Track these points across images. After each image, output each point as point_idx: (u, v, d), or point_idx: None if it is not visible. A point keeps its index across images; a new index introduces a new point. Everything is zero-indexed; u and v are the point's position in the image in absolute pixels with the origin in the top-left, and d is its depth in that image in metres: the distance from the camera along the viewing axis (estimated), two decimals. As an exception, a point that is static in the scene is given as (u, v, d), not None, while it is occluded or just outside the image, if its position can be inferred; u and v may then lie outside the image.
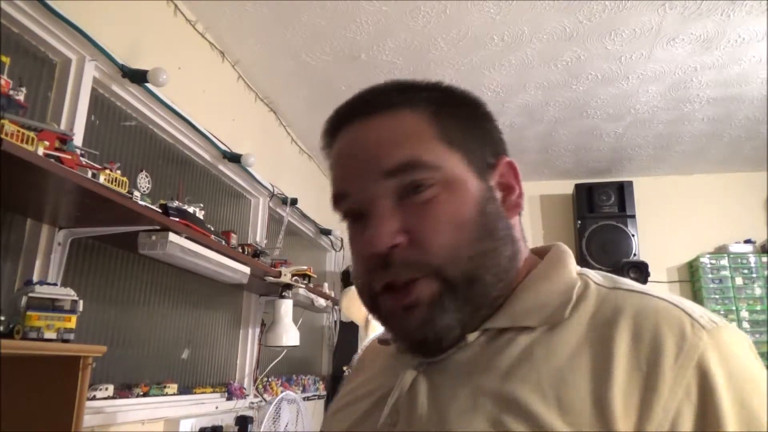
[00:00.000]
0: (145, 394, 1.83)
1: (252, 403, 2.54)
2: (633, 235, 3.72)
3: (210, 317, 2.40)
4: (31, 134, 1.12)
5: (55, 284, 1.22)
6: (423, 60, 2.54)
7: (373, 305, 0.55)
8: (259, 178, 2.69)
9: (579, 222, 3.84)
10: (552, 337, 0.50)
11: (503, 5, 2.16)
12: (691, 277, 3.83)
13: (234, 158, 2.41)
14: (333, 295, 3.08)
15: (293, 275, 2.47)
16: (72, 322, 1.18)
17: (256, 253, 2.32)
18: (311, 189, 3.48)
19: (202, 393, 2.19)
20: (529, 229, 4.11)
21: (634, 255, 3.68)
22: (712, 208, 3.91)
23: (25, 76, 1.48)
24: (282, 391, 2.58)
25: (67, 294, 1.20)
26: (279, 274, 2.37)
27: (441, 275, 0.51)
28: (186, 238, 1.66)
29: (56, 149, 1.21)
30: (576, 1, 2.13)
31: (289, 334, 2.44)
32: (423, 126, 0.53)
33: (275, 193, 2.87)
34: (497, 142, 0.59)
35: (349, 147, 0.56)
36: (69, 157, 1.23)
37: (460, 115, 0.56)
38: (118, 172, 1.40)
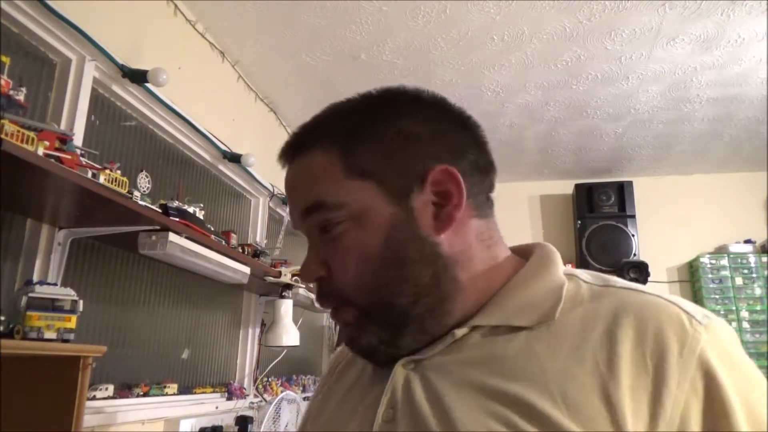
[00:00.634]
0: (145, 394, 1.83)
1: (252, 403, 2.54)
2: (633, 235, 3.72)
3: (210, 317, 2.40)
4: (31, 134, 1.12)
5: (55, 284, 1.22)
6: (423, 60, 2.54)
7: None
8: (259, 178, 2.69)
9: (579, 222, 3.84)
10: (550, 335, 0.50)
11: (503, 5, 2.16)
12: (691, 277, 3.83)
13: (234, 158, 2.41)
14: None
15: (293, 275, 2.47)
16: (72, 322, 1.18)
17: (256, 253, 2.32)
18: (311, 189, 3.47)
19: (202, 393, 2.19)
20: (529, 229, 4.11)
21: (634, 255, 3.68)
22: (712, 208, 3.90)
23: (25, 76, 1.48)
24: (282, 391, 2.58)
25: (67, 294, 1.20)
26: (279, 274, 2.37)
27: (355, 304, 0.55)
28: (186, 238, 1.66)
29: (56, 149, 1.21)
30: (576, 1, 2.13)
31: (289, 334, 2.44)
32: (330, 163, 0.55)
33: (275, 193, 2.87)
34: (427, 153, 0.56)
35: (285, 188, 0.61)
36: (69, 157, 1.23)
37: (374, 139, 0.56)
38: (118, 172, 1.40)
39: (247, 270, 2.07)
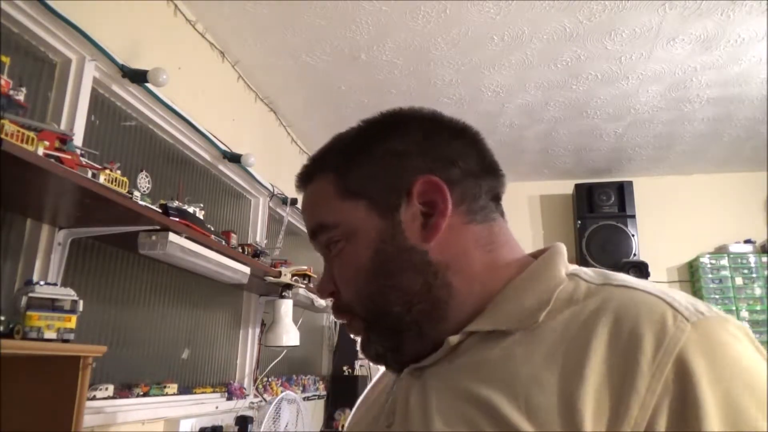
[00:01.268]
0: (145, 394, 1.83)
1: (252, 403, 2.54)
2: (633, 235, 3.72)
3: (210, 317, 2.40)
4: (31, 134, 1.12)
5: (55, 284, 1.22)
6: (423, 60, 2.54)
7: None
8: (259, 178, 2.69)
9: (579, 222, 3.84)
10: (532, 339, 0.51)
11: (503, 5, 2.16)
12: (691, 277, 3.83)
13: (234, 158, 2.41)
14: (333, 295, 3.08)
15: (293, 275, 2.47)
16: (72, 322, 1.18)
17: (256, 253, 2.32)
18: (311, 189, 3.47)
19: (202, 393, 2.19)
20: (529, 229, 4.11)
21: (634, 255, 3.68)
22: (712, 208, 3.90)
23: (25, 76, 1.48)
24: (282, 391, 2.59)
25: (67, 294, 1.20)
26: (279, 274, 2.37)
27: (359, 315, 0.60)
28: (186, 238, 1.66)
29: (56, 149, 1.21)
30: (576, 1, 2.13)
31: (289, 334, 2.44)
32: (328, 188, 0.60)
33: (275, 193, 2.87)
34: (413, 167, 0.58)
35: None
36: (69, 157, 1.23)
37: (364, 162, 0.60)
38: (118, 172, 1.39)
39: (247, 270, 2.07)
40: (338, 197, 0.59)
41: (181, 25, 2.18)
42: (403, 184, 0.58)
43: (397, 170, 0.59)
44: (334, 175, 0.60)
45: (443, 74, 2.64)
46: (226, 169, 2.48)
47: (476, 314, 0.56)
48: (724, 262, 3.66)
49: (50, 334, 1.14)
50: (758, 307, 3.54)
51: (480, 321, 0.55)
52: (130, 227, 1.52)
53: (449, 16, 2.22)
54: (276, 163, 3.02)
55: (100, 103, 1.76)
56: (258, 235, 2.79)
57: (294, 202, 3.00)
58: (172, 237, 1.58)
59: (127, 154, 1.88)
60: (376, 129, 0.62)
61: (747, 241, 3.74)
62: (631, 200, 3.80)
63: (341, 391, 3.52)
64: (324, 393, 3.49)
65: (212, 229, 1.92)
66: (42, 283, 1.19)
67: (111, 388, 1.64)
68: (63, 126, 1.54)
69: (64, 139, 1.26)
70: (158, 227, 1.56)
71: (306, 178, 0.64)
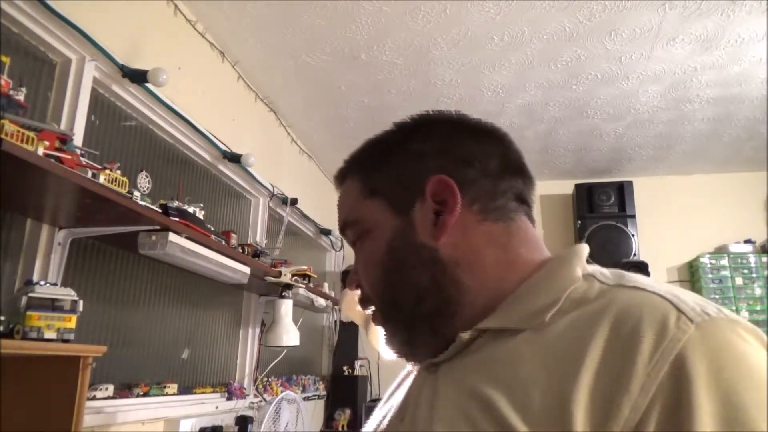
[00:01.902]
0: (145, 394, 1.83)
1: (252, 403, 2.54)
2: (633, 235, 3.72)
3: (210, 317, 2.40)
4: (31, 134, 1.12)
5: (55, 284, 1.22)
6: (423, 60, 2.54)
7: None
8: (259, 178, 2.69)
9: (579, 222, 3.84)
10: (538, 339, 0.51)
11: (503, 5, 2.16)
12: (691, 277, 3.83)
13: (234, 158, 2.41)
14: (333, 295, 3.08)
15: (293, 275, 2.47)
16: (72, 322, 1.18)
17: (256, 253, 2.32)
18: (311, 189, 3.48)
19: (202, 393, 2.19)
20: (529, 229, 4.10)
21: (634, 255, 3.67)
22: (712, 208, 3.90)
23: (25, 76, 1.48)
24: (282, 391, 2.59)
25: (67, 294, 1.20)
26: (279, 274, 2.37)
27: (376, 306, 0.64)
28: (186, 238, 1.66)
29: (56, 149, 1.21)
30: (576, 1, 2.13)
31: (289, 334, 2.44)
32: (354, 188, 0.65)
33: (275, 193, 2.87)
34: (430, 167, 0.61)
35: None
36: (69, 157, 1.23)
37: (381, 163, 0.64)
38: (118, 172, 1.39)
39: (247, 270, 2.07)
40: (362, 196, 0.64)
41: (181, 25, 2.18)
42: (418, 184, 0.60)
43: (414, 171, 0.61)
44: (360, 176, 0.65)
45: (443, 74, 2.64)
46: (226, 169, 2.48)
47: (489, 312, 0.56)
48: (724, 262, 3.66)
49: (50, 334, 1.14)
50: (758, 307, 3.54)
51: (491, 319, 0.56)
52: (130, 227, 1.52)
53: (449, 16, 2.22)
54: (276, 163, 3.02)
55: (100, 103, 1.76)
56: (258, 235, 2.79)
57: (294, 202, 3.00)
58: (172, 237, 1.58)
59: (127, 154, 1.88)
60: (401, 132, 0.66)
61: (747, 241, 3.74)
62: (631, 200, 3.80)
63: (341, 391, 3.52)
64: (324, 393, 3.49)
65: (212, 229, 1.92)
66: (42, 283, 1.19)
67: (111, 388, 1.64)
68: (63, 126, 1.54)
69: (64, 139, 1.26)
70: (158, 227, 1.56)
71: (341, 177, 0.69)
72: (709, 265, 3.67)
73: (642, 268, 3.54)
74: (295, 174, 3.29)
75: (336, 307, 3.48)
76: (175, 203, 1.72)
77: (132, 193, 1.45)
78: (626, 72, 2.64)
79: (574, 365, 0.46)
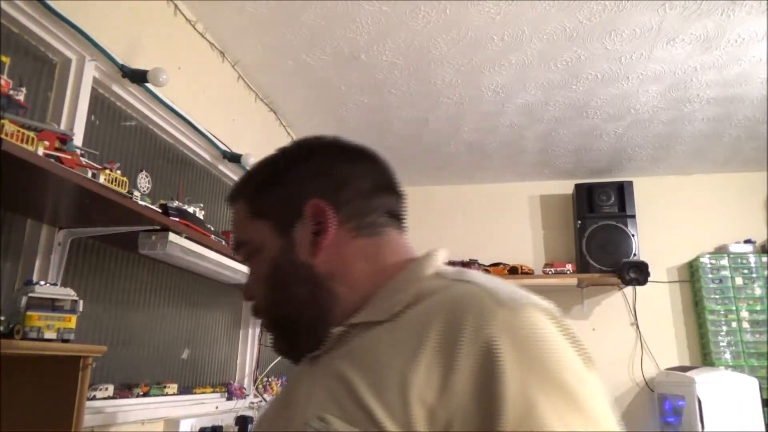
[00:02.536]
0: (145, 394, 1.83)
1: (252, 403, 2.54)
2: (633, 235, 3.72)
3: (210, 317, 2.40)
4: (31, 134, 1.11)
5: (55, 284, 1.22)
6: (423, 60, 2.54)
7: None
8: (259, 178, 2.69)
9: (579, 222, 3.84)
10: (393, 329, 0.59)
11: (503, 5, 2.16)
12: (691, 277, 3.83)
13: (234, 158, 2.41)
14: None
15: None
16: (72, 322, 1.18)
17: (256, 253, 2.31)
18: (311, 189, 3.47)
19: (202, 393, 2.19)
20: (529, 229, 4.10)
21: (634, 255, 3.67)
22: (712, 208, 3.90)
23: (25, 76, 1.48)
24: (282, 391, 2.58)
25: (67, 294, 1.20)
26: (279, 274, 2.37)
27: (264, 316, 0.72)
28: (186, 238, 1.66)
29: (56, 149, 1.21)
30: (576, 1, 2.13)
31: (289, 334, 2.44)
32: (243, 210, 0.72)
33: (275, 193, 2.87)
34: (309, 191, 0.68)
35: None
36: (69, 157, 1.23)
37: (266, 187, 0.71)
38: (118, 172, 1.39)
39: (246, 270, 2.06)
40: (250, 218, 0.71)
41: (181, 25, 2.18)
42: (298, 206, 0.68)
43: (294, 194, 0.69)
44: (248, 199, 0.72)
45: (443, 74, 2.64)
46: (226, 169, 2.48)
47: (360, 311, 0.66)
48: (724, 262, 3.66)
49: (50, 334, 1.14)
50: (758, 307, 3.54)
51: (358, 315, 0.64)
52: (130, 227, 1.52)
53: (449, 16, 2.22)
54: (276, 163, 3.01)
55: (100, 103, 1.76)
56: (258, 235, 2.78)
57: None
58: (172, 237, 1.58)
59: (127, 154, 1.88)
60: (284, 157, 0.73)
61: (747, 241, 3.74)
62: (631, 200, 3.80)
63: (341, 391, 3.51)
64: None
65: (212, 229, 1.92)
66: (42, 283, 1.18)
67: (111, 388, 1.64)
68: (63, 126, 1.54)
69: (64, 139, 1.26)
70: (158, 227, 1.56)
71: (231, 200, 0.75)
72: (709, 265, 3.67)
73: (642, 268, 3.54)
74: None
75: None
76: (175, 203, 1.72)
77: (132, 193, 1.45)
78: (626, 72, 2.64)
79: (416, 348, 0.54)
